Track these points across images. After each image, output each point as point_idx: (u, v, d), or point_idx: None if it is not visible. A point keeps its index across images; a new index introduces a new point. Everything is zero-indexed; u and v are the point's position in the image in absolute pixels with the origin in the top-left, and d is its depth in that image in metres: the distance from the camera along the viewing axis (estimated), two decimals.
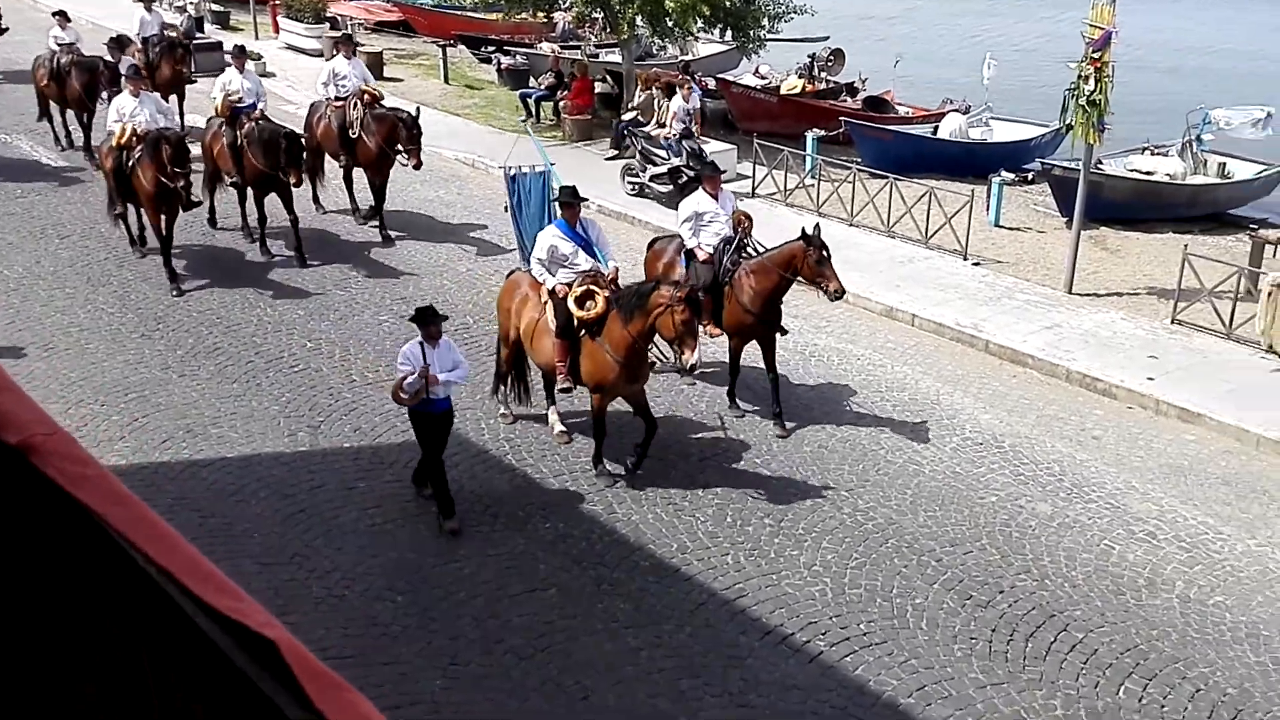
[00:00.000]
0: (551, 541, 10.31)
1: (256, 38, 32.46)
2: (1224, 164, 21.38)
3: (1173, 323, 15.43)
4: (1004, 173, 20.73)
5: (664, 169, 19.89)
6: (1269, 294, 14.49)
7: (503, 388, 12.20)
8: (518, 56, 29.07)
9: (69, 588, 1.76)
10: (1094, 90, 15.54)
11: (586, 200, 11.74)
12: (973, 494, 11.35)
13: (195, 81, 23.21)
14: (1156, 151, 21.41)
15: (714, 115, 24.98)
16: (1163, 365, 14.15)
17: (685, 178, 19.10)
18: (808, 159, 21.02)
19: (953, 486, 11.46)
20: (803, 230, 11.99)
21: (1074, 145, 16.75)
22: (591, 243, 11.32)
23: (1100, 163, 19.50)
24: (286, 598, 9.40)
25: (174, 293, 15.38)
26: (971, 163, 22.13)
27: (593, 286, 10.84)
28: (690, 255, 12.66)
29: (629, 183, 20.54)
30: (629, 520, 10.68)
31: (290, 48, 32.04)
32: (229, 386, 13.02)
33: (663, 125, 21.98)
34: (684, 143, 19.92)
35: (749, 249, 12.59)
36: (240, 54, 17.84)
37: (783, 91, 25.03)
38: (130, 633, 1.71)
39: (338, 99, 17.82)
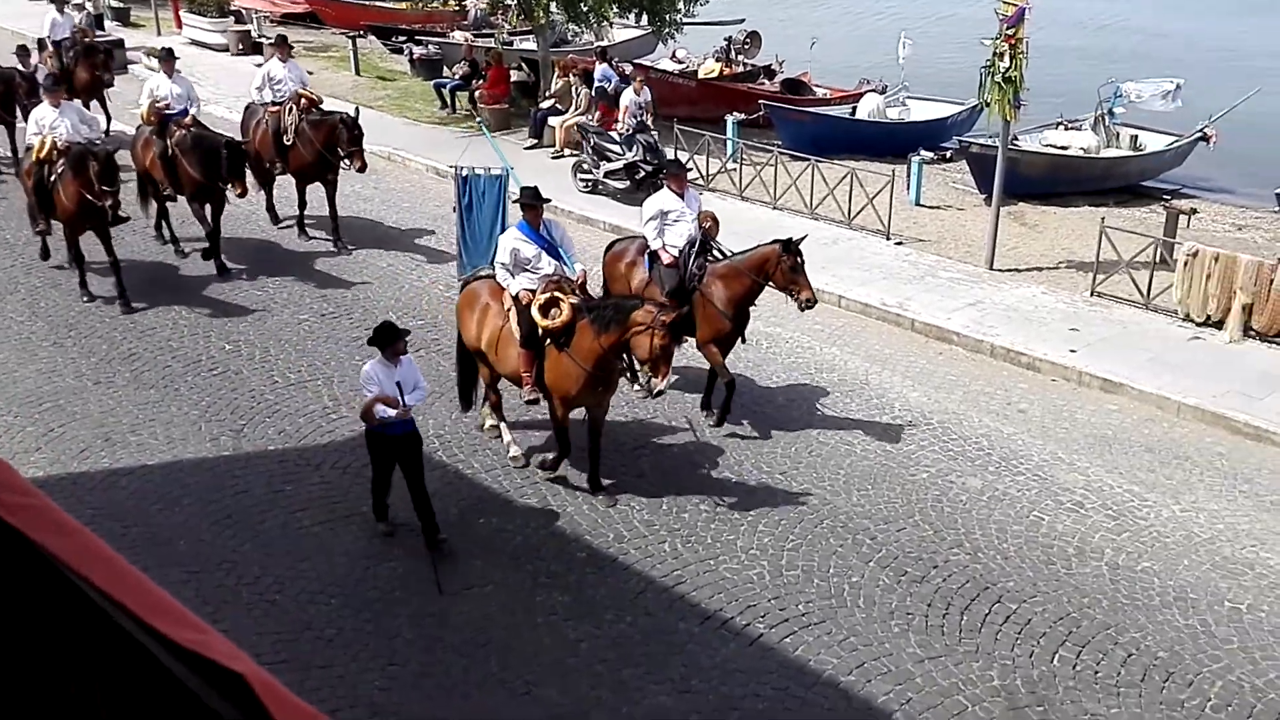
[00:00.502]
0: (486, 537, 10.19)
1: (159, 33, 31.78)
2: (1136, 137, 21.83)
3: (1092, 295, 15.69)
4: (923, 152, 20.95)
5: (619, 165, 19.36)
6: (1185, 263, 14.80)
7: (504, 426, 11.52)
8: (430, 46, 28.73)
9: (13, 623, 1.62)
10: (1009, 67, 15.72)
11: (549, 200, 11.16)
12: (904, 471, 11.43)
13: (113, 84, 22.31)
14: (1070, 126, 21.79)
15: None
16: (1084, 337, 14.38)
17: (641, 173, 18.88)
18: (728, 143, 21.03)
19: (884, 465, 11.53)
20: (789, 239, 11.41)
21: (990, 122, 16.91)
22: (556, 245, 10.77)
23: (1016, 139, 19.75)
24: (216, 605, 9.17)
25: (84, 299, 14.93)
26: (890, 143, 22.33)
27: (557, 293, 10.28)
28: (654, 257, 12.12)
29: (581, 180, 19.96)
30: (564, 513, 10.59)
31: (195, 43, 31.38)
32: (146, 393, 12.68)
33: (582, 112, 21.92)
34: (638, 137, 19.37)
35: (714, 251, 12.10)
36: (169, 57, 16.74)
37: (700, 76, 25.05)
38: (82, 669, 1.59)
39: (274, 103, 16.97)
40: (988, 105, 16.37)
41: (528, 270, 10.61)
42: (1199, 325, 14.64)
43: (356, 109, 16.61)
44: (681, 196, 12.15)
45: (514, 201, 11.50)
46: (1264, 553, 10.16)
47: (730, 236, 13.01)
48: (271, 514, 10.49)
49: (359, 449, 11.52)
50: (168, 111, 15.85)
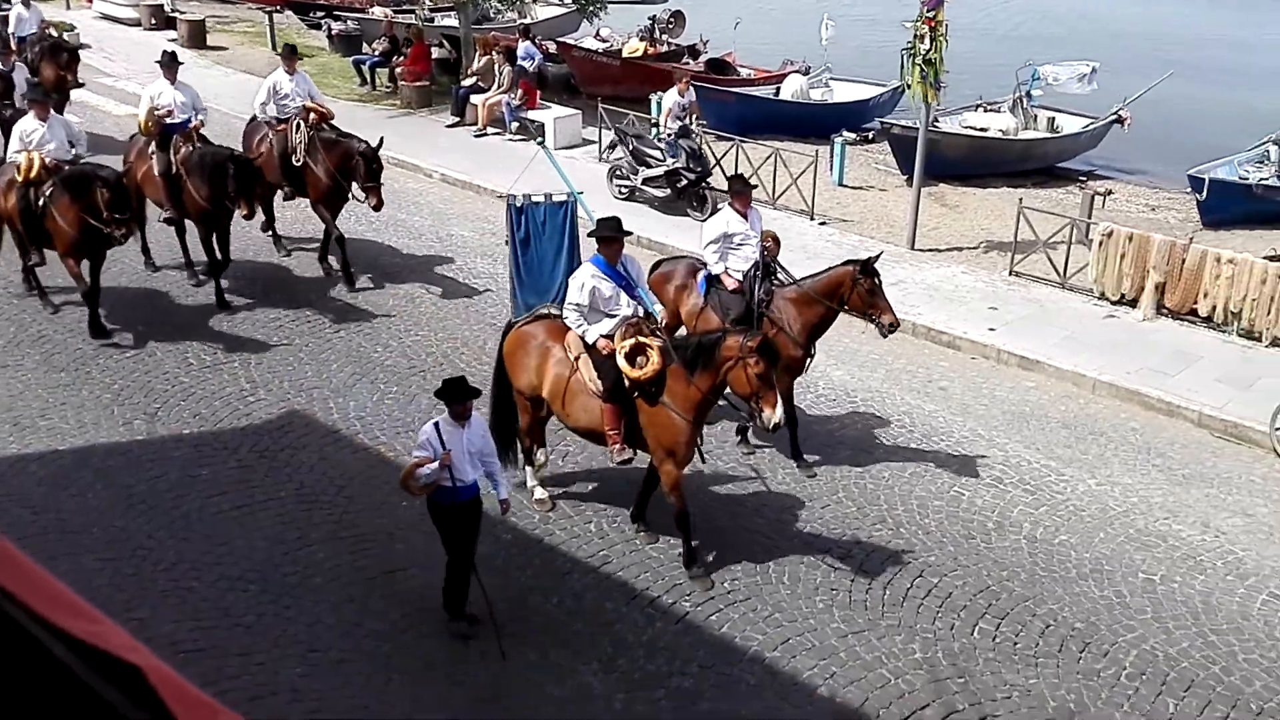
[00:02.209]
0: (410, 522, 10.03)
1: (68, 7, 30.84)
2: (1053, 119, 22.16)
3: (1010, 274, 15.92)
4: (845, 133, 21.06)
5: (659, 171, 17.96)
6: (1100, 243, 15.07)
7: (522, 456, 10.40)
8: (349, 22, 28.24)
9: None
10: (929, 49, 15.85)
11: (630, 234, 9.86)
12: (827, 449, 11.50)
13: (83, 85, 20.28)
14: (989, 108, 22.05)
15: (556, 80, 24.71)
16: (1003, 316, 14.58)
17: (684, 181, 17.69)
18: (651, 124, 20.94)
19: (807, 443, 11.59)
20: (866, 259, 10.64)
21: (912, 104, 17.02)
22: (632, 283, 9.57)
23: (937, 121, 19.94)
24: (131, 593, 8.98)
25: (101, 339, 13.10)
26: (814, 124, 22.41)
27: (641, 338, 9.13)
28: (712, 281, 11.10)
29: (618, 186, 18.50)
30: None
31: (105, 17, 30.56)
32: (57, 375, 12.33)
33: (504, 90, 21.71)
34: (681, 142, 17.90)
35: (777, 274, 11.16)
36: (171, 62, 14.58)
37: (625, 55, 24.90)
38: None
39: (279, 120, 15.08)
40: (909, 87, 16.50)
41: (605, 313, 9.38)
42: (1114, 304, 14.93)
43: (380, 140, 14.50)
44: (745, 217, 11.08)
45: (589, 234, 9.96)
46: (1176, 525, 10.40)
47: (655, 216, 12.99)
48: (187, 499, 10.27)
49: (276, 431, 11.40)
50: (169, 122, 14.10)
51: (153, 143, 14.05)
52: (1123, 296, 14.93)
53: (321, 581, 9.24)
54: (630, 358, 9.01)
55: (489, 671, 8.30)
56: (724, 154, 18.96)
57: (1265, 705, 8.19)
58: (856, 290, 10.48)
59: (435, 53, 25.06)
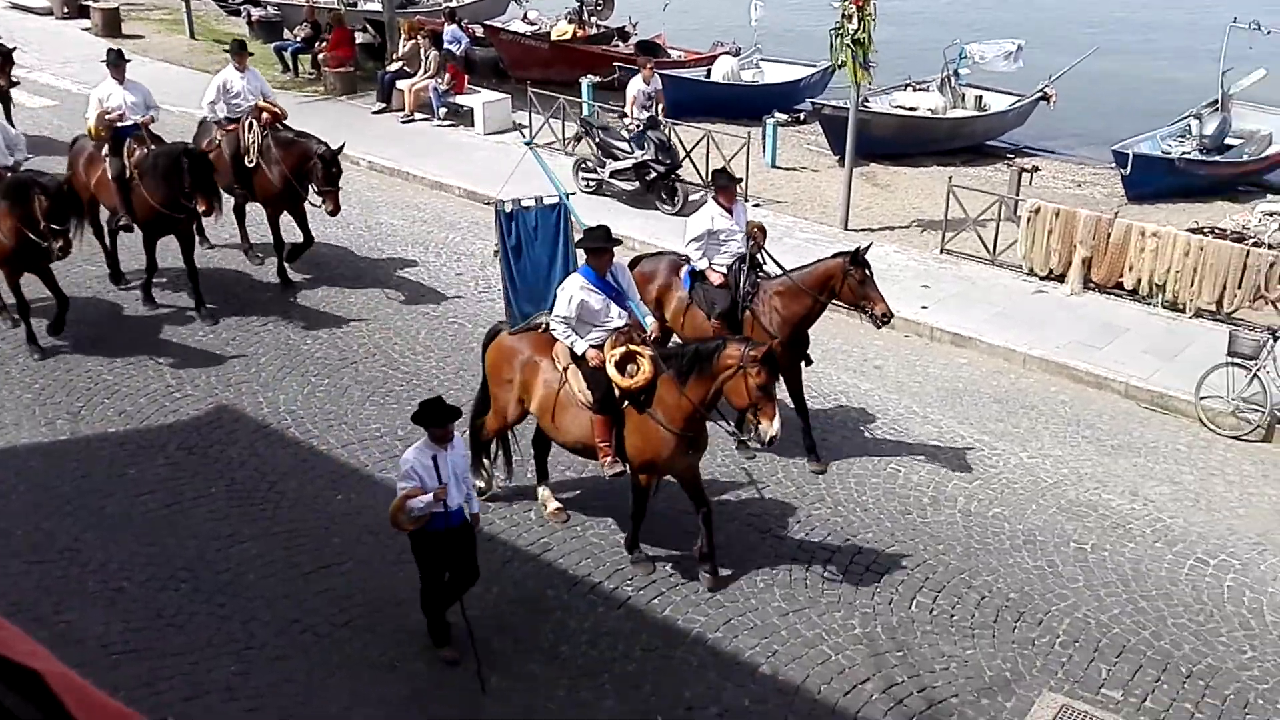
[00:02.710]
0: (344, 515, 9.94)
1: None
2: (980, 97, 22.38)
3: (941, 252, 16.06)
4: (777, 114, 21.11)
5: (627, 164, 17.37)
6: (1028, 220, 15.26)
7: (486, 462, 10.14)
8: (269, 7, 27.72)
9: None
10: (857, 29, 15.91)
11: (619, 242, 9.55)
12: None
13: (17, 84, 19.46)
14: (918, 88, 22.21)
15: (484, 64, 24.48)
16: (935, 293, 14.71)
17: (653, 174, 17.12)
18: (584, 106, 20.86)
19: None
20: (856, 249, 10.41)
21: (851, 79, 17.03)
22: (622, 293, 9.26)
23: (867, 101, 20.05)
24: (60, 596, 8.79)
25: (35, 356, 12.38)
26: (745, 105, 22.43)
27: (632, 347, 8.88)
28: (697, 276, 10.85)
29: (584, 179, 17.86)
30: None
31: (16, 6, 29.80)
32: None
33: (431, 75, 21.47)
34: (649, 134, 17.27)
35: (764, 266, 10.90)
36: (119, 60, 13.79)
37: (553, 37, 24.71)
38: None
39: (229, 120, 14.31)
40: (840, 67, 16.55)
41: (594, 325, 9.06)
42: (1042, 279, 15.12)
43: (341, 145, 14.02)
44: (730, 212, 10.79)
45: (576, 244, 9.76)
46: (1105, 494, 10.59)
47: (588, 200, 12.91)
48: (114, 498, 10.07)
49: (205, 428, 11.21)
50: (121, 125, 13.36)
51: (104, 146, 13.30)
52: (1051, 272, 15.13)
53: (255, 578, 9.11)
54: (620, 366, 8.76)
55: (429, 663, 8.23)
56: None
57: (1194, 668, 8.37)
58: (848, 282, 10.26)
59: (359, 37, 24.69)
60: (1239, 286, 13.86)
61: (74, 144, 14.19)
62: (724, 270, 10.72)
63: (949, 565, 9.49)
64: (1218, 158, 19.96)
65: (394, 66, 22.26)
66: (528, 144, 16.64)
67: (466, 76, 22.17)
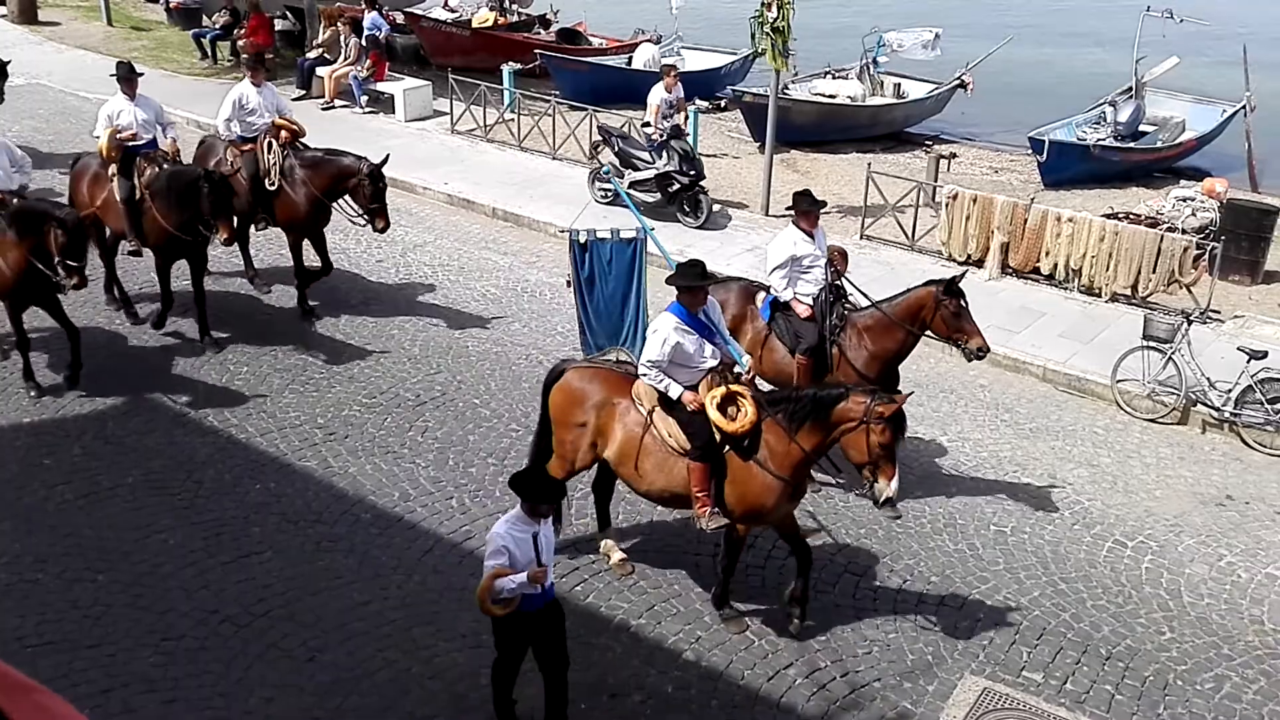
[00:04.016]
0: (263, 503, 9.76)
1: None
2: (899, 84, 22.63)
3: (862, 238, 16.19)
4: (698, 101, 21.11)
5: (648, 174, 16.58)
6: (946, 205, 15.45)
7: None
8: None
9: None
10: (777, 17, 15.97)
11: (715, 278, 8.73)
12: None
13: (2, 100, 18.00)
14: (837, 75, 22.40)
15: (405, 51, 24.18)
16: (855, 279, 14.69)
17: (676, 185, 16.36)
18: (505, 93, 20.70)
19: None
20: (950, 278, 9.74)
21: (772, 69, 17.08)
22: (715, 329, 8.49)
23: (787, 88, 20.17)
24: None
25: (31, 393, 11.29)
26: None
27: (732, 388, 8.15)
28: (779, 308, 10.10)
29: (600, 190, 17.07)
30: (346, 474, 10.24)
31: None
32: None
33: (351, 62, 21.14)
34: (672, 143, 16.53)
35: (848, 296, 10.23)
36: (130, 75, 12.63)
37: (474, 25, 24.49)
38: None
39: (244, 139, 13.28)
40: (760, 55, 16.60)
41: (688, 367, 8.26)
42: (961, 264, 15.28)
43: (386, 157, 12.99)
44: (811, 237, 10.05)
45: (666, 280, 8.69)
46: (1025, 477, 10.74)
47: (510, 188, 12.81)
48: (29, 489, 9.81)
49: (122, 416, 10.95)
50: (133, 144, 12.35)
51: (111, 166, 12.32)
52: (969, 257, 15.33)
53: (173, 569, 8.90)
54: (720, 409, 8.04)
55: (349, 651, 8.10)
56: (578, 124, 18.85)
57: (1114, 650, 8.51)
58: (940, 313, 9.61)
59: (278, 24, 24.29)
60: (1153, 271, 14.17)
61: (76, 162, 13.02)
62: (809, 301, 9.97)
63: (871, 550, 9.56)
64: (1132, 144, 20.41)
65: (314, 54, 21.92)
66: (605, 173, 16.15)
67: (387, 64, 21.90)
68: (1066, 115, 20.71)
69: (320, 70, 21.50)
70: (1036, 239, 14.84)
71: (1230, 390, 11.61)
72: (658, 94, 16.92)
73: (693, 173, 16.40)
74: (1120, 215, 15.88)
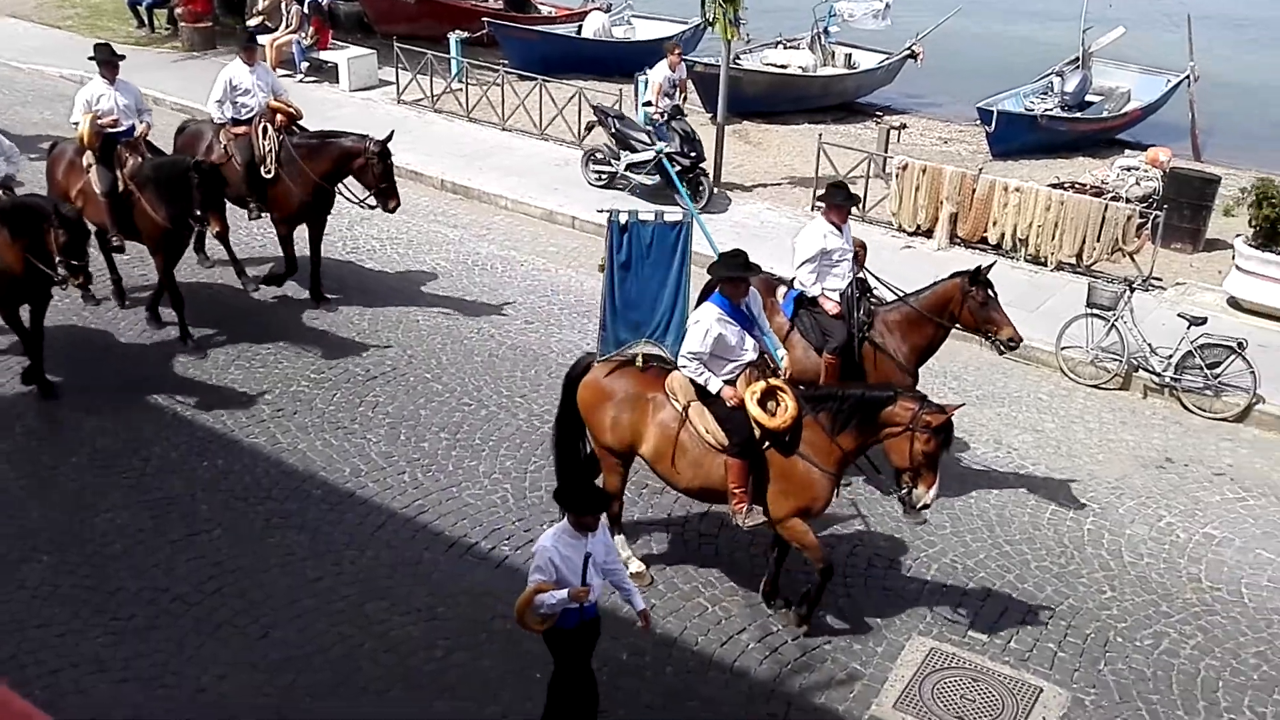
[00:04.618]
0: (211, 481, 9.69)
1: None
2: (850, 55, 22.66)
3: (813, 209, 16.21)
4: (648, 71, 20.97)
5: (647, 156, 15.97)
6: (896, 176, 15.53)
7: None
8: None
9: None
10: None
11: (758, 269, 8.47)
12: None
13: None
14: (789, 45, 22.38)
15: (348, 18, 23.88)
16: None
17: (678, 167, 15.55)
18: (452, 63, 20.51)
19: None
20: (976, 269, 9.42)
21: (723, 38, 17.02)
22: (755, 322, 8.31)
23: (738, 59, 20.14)
24: None
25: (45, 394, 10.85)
26: (617, 62, 22.28)
27: (772, 382, 7.96)
28: (802, 302, 9.78)
29: (594, 171, 16.70)
30: (296, 450, 10.18)
31: None
32: None
33: (293, 30, 20.84)
34: (673, 124, 16.04)
35: (873, 290, 9.97)
36: (111, 58, 12.11)
37: None
38: None
39: (237, 123, 12.62)
40: (711, 24, 16.55)
41: (728, 359, 8.10)
42: (911, 235, 15.43)
43: (390, 133, 12.42)
44: (840, 230, 9.71)
45: (708, 269, 8.35)
46: (972, 443, 10.88)
47: (459, 159, 12.72)
48: None
49: (66, 395, 10.78)
50: (113, 130, 11.77)
51: (86, 154, 11.73)
52: (919, 227, 15.45)
53: (121, 548, 8.84)
54: (761, 404, 7.84)
55: (302, 627, 8.09)
56: (527, 94, 18.72)
57: (1056, 609, 8.69)
58: (968, 304, 9.38)
59: None
60: (1098, 240, 14.35)
61: (53, 149, 12.49)
62: (838, 297, 9.67)
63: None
64: (1078, 114, 20.60)
65: (254, 21, 21.56)
66: (658, 151, 15.39)
67: (330, 31, 21.62)
68: (1014, 86, 20.85)
69: (261, 38, 21.03)
70: (984, 209, 14.97)
71: (1171, 356, 11.82)
72: (660, 72, 16.42)
73: (694, 154, 15.97)
74: (1066, 185, 16.05)
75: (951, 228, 15.17)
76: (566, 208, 15.96)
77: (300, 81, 20.78)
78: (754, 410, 7.78)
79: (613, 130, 16.52)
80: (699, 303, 8.51)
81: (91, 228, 10.90)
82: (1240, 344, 11.60)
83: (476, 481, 9.88)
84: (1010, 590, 8.88)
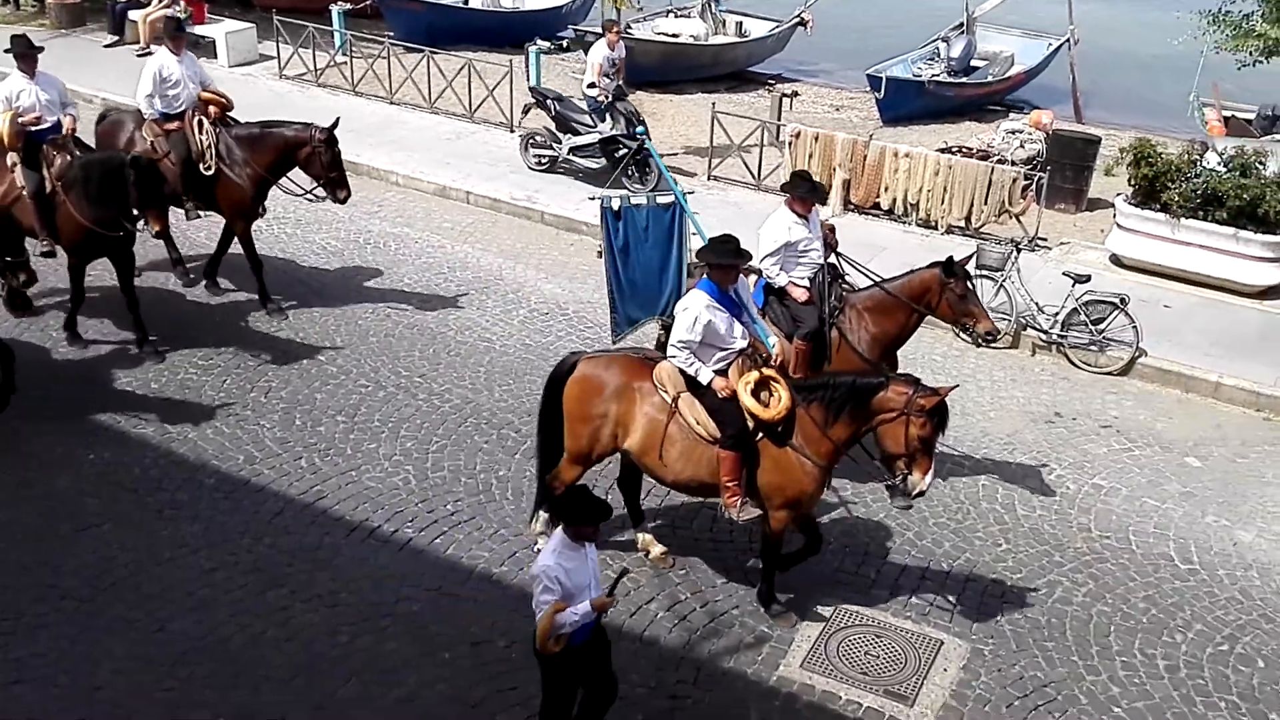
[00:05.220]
0: (100, 473, 9.41)
1: None
2: (740, 23, 22.71)
3: (709, 178, 16.29)
4: (539, 41, 20.83)
5: (591, 139, 15.68)
6: (789, 144, 15.63)
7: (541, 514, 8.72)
8: None
9: None
10: None
11: (750, 255, 8.17)
12: (544, 363, 11.45)
13: None
14: (679, 14, 22.37)
15: None
16: (703, 220, 14.58)
17: (623, 149, 15.40)
18: (336, 35, 20.07)
19: (524, 358, 11.57)
20: (949, 260, 9.25)
21: (613, 7, 16.93)
22: (744, 308, 8.15)
23: (630, 28, 20.06)
24: None
25: None
26: (507, 32, 22.09)
27: (764, 371, 7.81)
28: (774, 294, 9.52)
29: (534, 156, 16.21)
30: (186, 439, 9.93)
31: None
32: None
33: (166, 5, 20.17)
34: (617, 105, 15.58)
35: (845, 276, 9.79)
36: (29, 50, 11.32)
37: None
38: None
39: (168, 117, 11.91)
40: None
41: (718, 347, 7.89)
42: None
43: (336, 120, 11.99)
44: (806, 220, 9.45)
45: (696, 253, 8.36)
46: None
47: (346, 134, 12.47)
48: None
49: None
50: (36, 128, 11.12)
51: (10, 154, 10.95)
52: None
53: (6, 545, 8.55)
54: (754, 394, 7.69)
55: (199, 619, 7.91)
56: (414, 67, 18.44)
57: (954, 564, 8.89)
58: (946, 296, 9.18)
59: None
60: (985, 202, 14.63)
61: None
62: (807, 284, 9.46)
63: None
64: (964, 79, 20.95)
65: None
66: (641, 133, 14.70)
67: (206, 5, 20.97)
68: (902, 52, 21.12)
69: (133, 14, 20.42)
70: (876, 175, 15.15)
71: (1057, 314, 12.12)
72: (599, 52, 15.90)
73: (640, 137, 15.36)
74: (954, 149, 16.33)
75: (845, 194, 15.33)
76: (459, 182, 15.77)
77: None
78: (747, 401, 7.64)
79: (553, 112, 16.03)
80: None
81: None
82: (1122, 300, 11.95)
83: (376, 464, 9.74)
84: (909, 547, 9.06)
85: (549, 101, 16.16)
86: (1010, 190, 14.51)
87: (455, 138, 17.37)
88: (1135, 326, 11.83)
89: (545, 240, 14.65)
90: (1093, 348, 12.01)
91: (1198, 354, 12.05)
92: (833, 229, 9.88)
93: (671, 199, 8.89)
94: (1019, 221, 14.59)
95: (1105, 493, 9.91)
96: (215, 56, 20.06)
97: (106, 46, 20.32)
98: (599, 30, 19.43)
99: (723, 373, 7.84)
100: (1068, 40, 21.56)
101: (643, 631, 8.03)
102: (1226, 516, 9.67)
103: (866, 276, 9.77)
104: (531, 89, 16.93)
